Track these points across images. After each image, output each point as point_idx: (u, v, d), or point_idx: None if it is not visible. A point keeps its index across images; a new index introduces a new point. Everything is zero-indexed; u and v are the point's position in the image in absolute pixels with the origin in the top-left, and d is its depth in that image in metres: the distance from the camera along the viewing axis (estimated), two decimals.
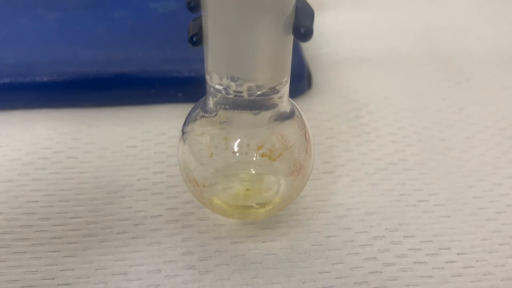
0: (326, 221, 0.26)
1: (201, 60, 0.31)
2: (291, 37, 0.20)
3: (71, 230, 0.25)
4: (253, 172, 0.25)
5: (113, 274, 0.24)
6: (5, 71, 0.31)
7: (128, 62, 0.32)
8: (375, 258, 0.24)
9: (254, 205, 0.24)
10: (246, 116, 0.22)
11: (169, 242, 0.25)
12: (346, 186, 0.28)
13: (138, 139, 0.30)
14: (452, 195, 0.27)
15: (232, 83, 0.20)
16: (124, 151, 0.29)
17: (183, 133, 0.24)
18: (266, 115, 0.22)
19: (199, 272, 0.24)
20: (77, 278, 0.23)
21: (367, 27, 0.39)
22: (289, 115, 0.23)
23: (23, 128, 0.30)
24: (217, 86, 0.21)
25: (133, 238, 0.25)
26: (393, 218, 0.26)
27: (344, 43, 0.37)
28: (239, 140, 0.23)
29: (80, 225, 0.25)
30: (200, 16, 0.20)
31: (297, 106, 0.24)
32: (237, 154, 0.23)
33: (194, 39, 0.20)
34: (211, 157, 0.23)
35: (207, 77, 0.21)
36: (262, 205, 0.24)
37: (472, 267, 0.24)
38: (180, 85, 0.31)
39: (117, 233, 0.25)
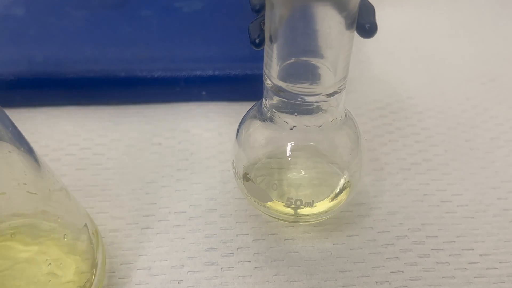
0: (348, 220, 0.26)
1: (224, 59, 0.32)
2: (353, 36, 0.20)
3: (97, 224, 0.26)
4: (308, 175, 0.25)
5: (137, 269, 0.24)
6: (34, 68, 0.31)
7: (154, 61, 0.32)
8: (397, 257, 0.24)
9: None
10: (304, 120, 0.22)
11: (192, 238, 0.25)
12: (369, 185, 0.28)
13: (162, 137, 0.30)
14: (476, 196, 0.27)
15: (295, 85, 0.20)
16: (149, 149, 0.30)
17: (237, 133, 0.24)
18: (324, 119, 0.22)
19: (222, 268, 0.24)
20: None
21: (391, 27, 0.39)
22: (346, 120, 0.23)
23: (50, 125, 0.31)
24: (277, 87, 0.21)
25: (157, 233, 0.25)
26: (415, 218, 0.26)
27: (367, 42, 0.37)
28: (297, 143, 0.23)
29: (105, 220, 0.26)
30: (259, 18, 0.20)
31: (349, 111, 0.24)
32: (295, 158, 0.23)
33: (257, 42, 0.20)
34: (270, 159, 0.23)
35: (266, 79, 0.21)
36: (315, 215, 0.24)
37: (495, 268, 0.24)
38: (204, 84, 0.32)
39: (142, 229, 0.26)
